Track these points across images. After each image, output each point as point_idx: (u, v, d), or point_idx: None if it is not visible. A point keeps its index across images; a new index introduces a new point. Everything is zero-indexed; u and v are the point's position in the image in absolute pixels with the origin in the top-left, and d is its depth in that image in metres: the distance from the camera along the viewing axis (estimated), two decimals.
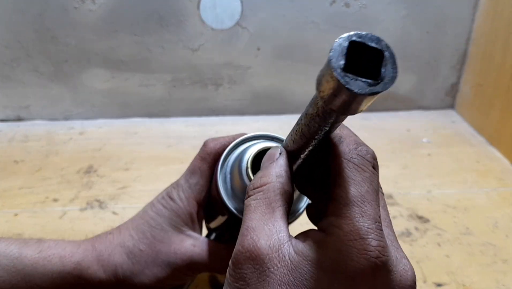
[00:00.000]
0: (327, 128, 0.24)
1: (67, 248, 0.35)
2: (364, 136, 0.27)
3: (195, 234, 0.36)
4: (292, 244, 0.24)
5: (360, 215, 0.23)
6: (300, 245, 0.24)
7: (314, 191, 0.29)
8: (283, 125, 0.83)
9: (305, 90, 0.83)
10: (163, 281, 0.35)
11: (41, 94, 0.82)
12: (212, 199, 0.36)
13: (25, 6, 0.74)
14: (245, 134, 0.35)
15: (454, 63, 0.87)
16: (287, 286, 0.23)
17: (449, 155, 0.76)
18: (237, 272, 0.24)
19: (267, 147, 0.32)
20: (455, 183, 0.67)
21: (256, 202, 0.26)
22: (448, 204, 0.62)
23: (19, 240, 0.35)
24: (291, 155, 0.28)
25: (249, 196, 0.27)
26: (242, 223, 0.26)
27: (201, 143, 0.37)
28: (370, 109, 0.89)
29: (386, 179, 0.68)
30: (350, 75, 0.19)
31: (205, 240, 0.36)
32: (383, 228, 0.24)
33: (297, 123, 0.26)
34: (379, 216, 0.23)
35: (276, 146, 0.29)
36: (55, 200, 0.62)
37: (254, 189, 0.27)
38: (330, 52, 0.19)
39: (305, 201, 0.35)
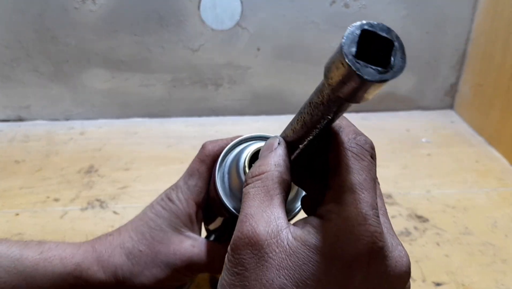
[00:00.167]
0: (329, 117, 0.24)
1: (67, 249, 0.35)
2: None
3: (194, 235, 0.36)
4: (290, 230, 0.25)
5: (358, 202, 0.23)
6: (298, 231, 0.24)
7: (312, 182, 0.29)
8: (283, 125, 0.82)
9: (305, 90, 0.83)
10: (162, 282, 0.35)
11: (41, 94, 0.82)
12: (211, 201, 0.36)
13: (25, 6, 0.74)
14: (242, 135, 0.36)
15: (454, 63, 0.87)
16: (285, 270, 0.23)
17: (448, 155, 0.76)
18: (236, 257, 0.25)
19: None
20: (454, 183, 0.68)
21: (255, 190, 0.26)
22: (447, 204, 0.62)
23: (20, 242, 0.36)
24: (290, 145, 0.28)
25: (247, 184, 0.27)
26: (241, 210, 0.26)
27: (201, 143, 0.38)
28: (370, 109, 0.89)
29: (386, 179, 0.68)
30: (361, 62, 0.19)
31: (204, 240, 0.36)
32: (380, 216, 0.24)
33: (299, 113, 0.26)
34: (376, 203, 0.24)
35: (275, 136, 0.29)
36: (56, 200, 0.62)
37: (253, 177, 0.27)
38: (342, 39, 0.19)
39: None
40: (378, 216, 0.24)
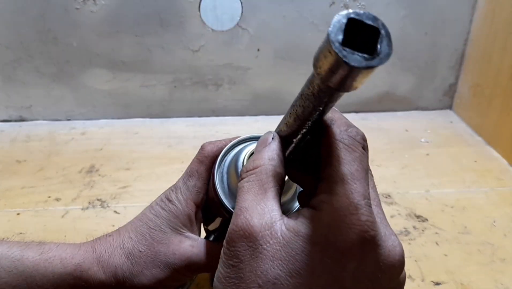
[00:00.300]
0: (321, 108, 0.24)
1: (67, 250, 0.35)
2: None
3: (193, 235, 0.36)
4: (284, 221, 0.25)
5: (350, 192, 0.24)
6: (292, 222, 0.25)
7: (307, 176, 0.29)
8: None
9: None
10: (162, 282, 0.35)
11: (42, 94, 0.83)
12: (210, 201, 0.36)
13: (27, 7, 0.74)
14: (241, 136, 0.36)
15: (453, 63, 0.88)
16: (279, 261, 0.24)
17: (447, 155, 0.76)
18: (231, 250, 0.25)
19: None
20: (453, 183, 0.68)
21: (249, 184, 0.27)
22: (446, 204, 0.63)
23: (21, 242, 0.36)
24: (284, 140, 0.29)
25: (242, 179, 0.28)
26: (236, 204, 0.27)
27: (202, 143, 0.38)
28: (369, 109, 0.90)
29: (385, 179, 0.68)
30: (347, 49, 0.19)
31: (203, 240, 0.36)
32: (373, 206, 0.25)
33: (292, 106, 0.27)
34: (368, 193, 0.24)
35: (269, 132, 0.30)
36: (57, 199, 0.62)
37: (247, 172, 0.28)
38: (329, 28, 0.20)
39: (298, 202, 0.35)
40: (370, 206, 0.24)
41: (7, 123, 0.85)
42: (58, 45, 0.78)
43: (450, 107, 0.92)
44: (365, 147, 0.26)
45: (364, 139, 0.26)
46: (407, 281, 0.49)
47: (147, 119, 0.87)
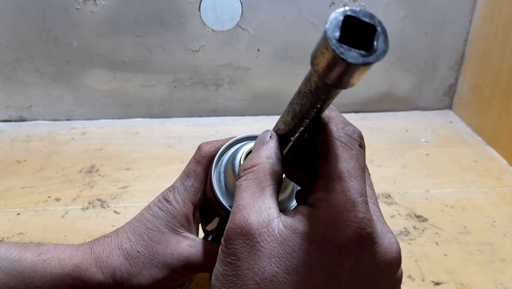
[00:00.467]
0: (318, 106, 0.25)
1: (66, 250, 0.35)
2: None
3: (191, 236, 0.36)
4: (281, 219, 0.25)
5: (347, 190, 0.24)
6: (289, 220, 0.25)
7: (305, 175, 0.29)
8: None
9: None
10: (160, 282, 0.35)
11: (43, 94, 0.83)
12: (207, 201, 0.37)
13: (27, 7, 0.74)
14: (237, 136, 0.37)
15: (452, 63, 0.88)
16: (277, 258, 0.24)
17: (447, 155, 0.76)
18: (228, 248, 0.25)
19: None
20: (453, 183, 0.68)
21: (247, 182, 0.27)
22: (446, 204, 0.63)
23: (19, 243, 0.36)
24: (282, 139, 0.29)
25: (240, 177, 0.28)
26: (233, 202, 0.27)
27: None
28: (369, 109, 0.90)
29: (385, 179, 0.68)
30: (344, 46, 0.19)
31: (201, 241, 0.36)
32: (370, 204, 0.25)
33: (289, 104, 0.27)
34: (365, 191, 0.24)
35: (267, 130, 0.30)
36: (57, 199, 0.62)
37: (245, 170, 0.28)
38: (326, 24, 0.20)
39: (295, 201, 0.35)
40: (367, 203, 0.24)
41: (7, 123, 0.85)
42: (58, 45, 0.78)
43: (450, 107, 0.92)
44: (362, 145, 0.26)
45: (361, 137, 0.26)
46: (407, 281, 0.49)
47: (147, 119, 0.87)
